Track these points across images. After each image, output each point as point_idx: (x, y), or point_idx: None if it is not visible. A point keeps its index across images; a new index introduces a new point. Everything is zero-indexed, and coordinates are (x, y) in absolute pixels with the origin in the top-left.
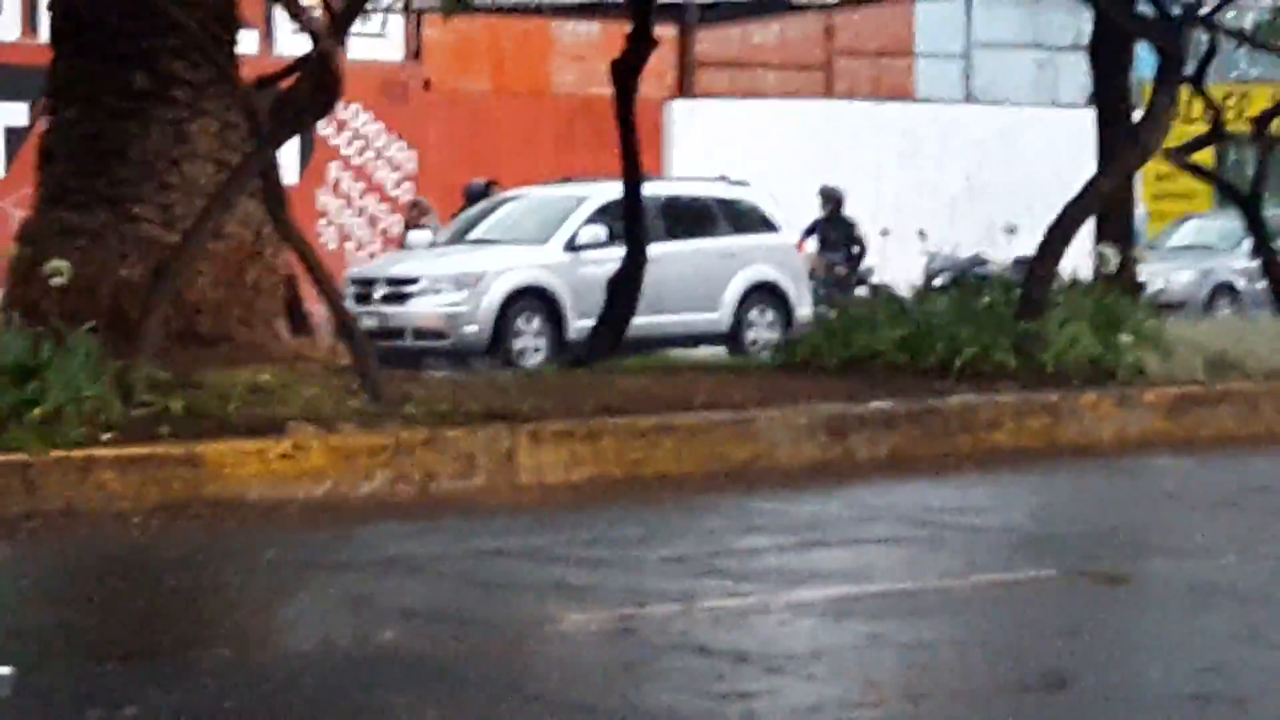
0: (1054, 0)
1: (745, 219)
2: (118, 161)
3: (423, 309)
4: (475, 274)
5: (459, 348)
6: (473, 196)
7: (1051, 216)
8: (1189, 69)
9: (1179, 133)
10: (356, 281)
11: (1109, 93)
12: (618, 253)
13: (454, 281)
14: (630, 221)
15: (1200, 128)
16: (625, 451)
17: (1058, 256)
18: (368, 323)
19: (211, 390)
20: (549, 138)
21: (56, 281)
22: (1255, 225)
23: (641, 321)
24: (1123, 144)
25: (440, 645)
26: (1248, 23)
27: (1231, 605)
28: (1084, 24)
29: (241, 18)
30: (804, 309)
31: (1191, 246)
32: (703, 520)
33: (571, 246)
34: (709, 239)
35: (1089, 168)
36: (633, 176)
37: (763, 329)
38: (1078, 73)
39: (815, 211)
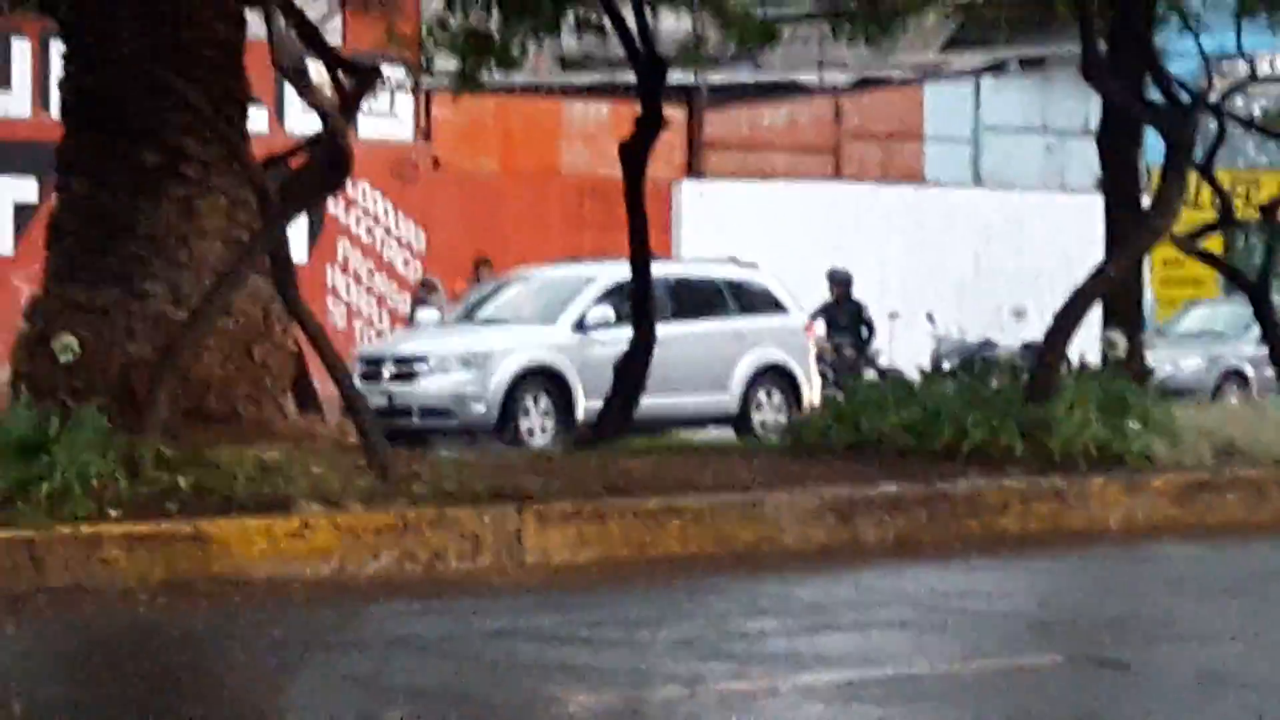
0: (1062, 85)
1: (754, 300)
2: (127, 238)
3: (430, 388)
4: (483, 353)
5: (466, 427)
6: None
7: (1059, 301)
8: (1197, 155)
9: (1187, 219)
10: (365, 360)
11: (1117, 178)
12: (626, 333)
13: (462, 361)
14: (638, 302)
15: (1208, 214)
16: (632, 533)
17: (1066, 341)
18: (376, 401)
19: (219, 468)
20: (558, 218)
21: (65, 358)
22: (1263, 311)
23: (650, 402)
24: (1131, 230)
25: None
26: (1256, 110)
27: (1238, 693)
28: (1092, 109)
29: (251, 95)
30: (812, 392)
31: (1200, 333)
32: (710, 603)
33: (580, 327)
34: (717, 320)
35: (1097, 253)
36: (641, 257)
37: (771, 411)
38: (1086, 158)
39: (823, 294)
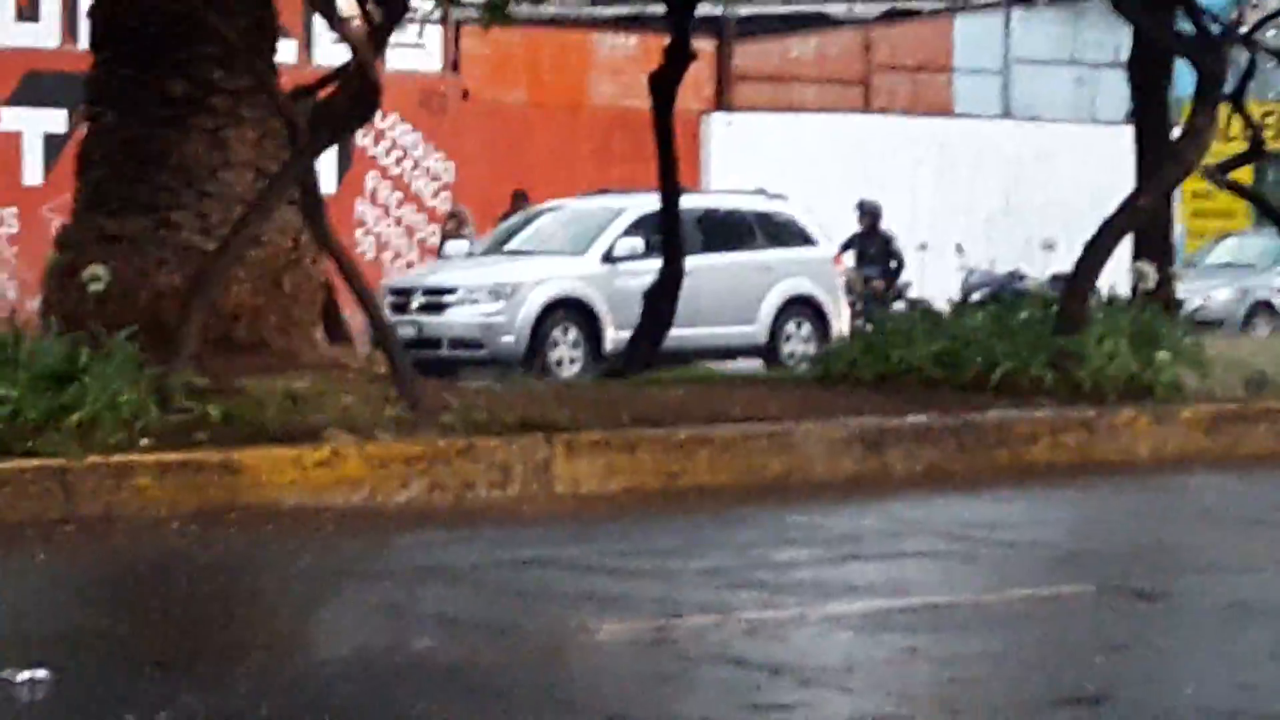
0: (1092, 17)
1: (782, 232)
2: (156, 169)
3: (459, 319)
4: (512, 284)
5: (495, 358)
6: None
7: (1089, 233)
8: (1228, 87)
9: (1218, 150)
10: (394, 291)
11: (1148, 110)
12: (655, 265)
13: (491, 292)
14: (667, 234)
15: (1239, 146)
16: (661, 463)
17: (1095, 273)
18: (405, 332)
19: (249, 397)
20: (586, 150)
21: (94, 288)
22: None
23: (678, 334)
24: (1161, 161)
25: (476, 654)
26: None
27: (1268, 622)
28: (1123, 41)
29: (280, 26)
30: (841, 323)
31: (1229, 264)
32: (738, 532)
33: (609, 258)
34: (746, 252)
35: (1127, 185)
36: (670, 189)
37: (799, 342)
38: (1116, 89)
39: (852, 225)
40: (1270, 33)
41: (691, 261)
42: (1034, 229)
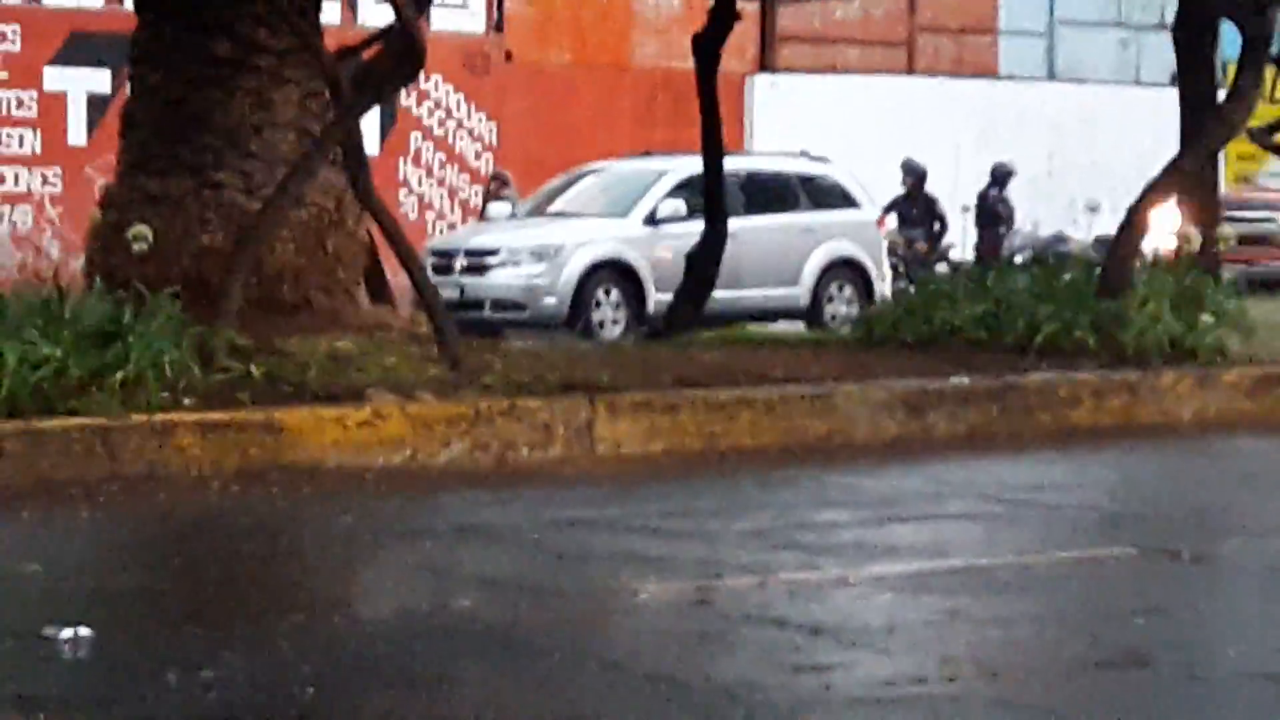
0: None
1: (826, 194)
2: (200, 129)
3: (502, 280)
4: (555, 246)
5: (538, 319)
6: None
7: (1133, 196)
8: (1274, 48)
9: (1262, 113)
10: (436, 252)
11: (1192, 72)
12: (697, 227)
13: (534, 253)
14: (710, 196)
15: None
16: (703, 424)
17: (1139, 236)
18: (447, 293)
19: (291, 357)
20: (630, 111)
21: (138, 247)
22: None
23: (721, 295)
24: (1206, 124)
25: (516, 614)
26: None
27: None
28: (1168, 2)
29: None
30: (883, 285)
31: None
32: (780, 494)
33: (651, 220)
34: (789, 214)
35: (1171, 148)
36: (713, 151)
37: (842, 305)
38: (1161, 52)
39: (896, 187)
40: None
41: (734, 224)
42: (1078, 191)
